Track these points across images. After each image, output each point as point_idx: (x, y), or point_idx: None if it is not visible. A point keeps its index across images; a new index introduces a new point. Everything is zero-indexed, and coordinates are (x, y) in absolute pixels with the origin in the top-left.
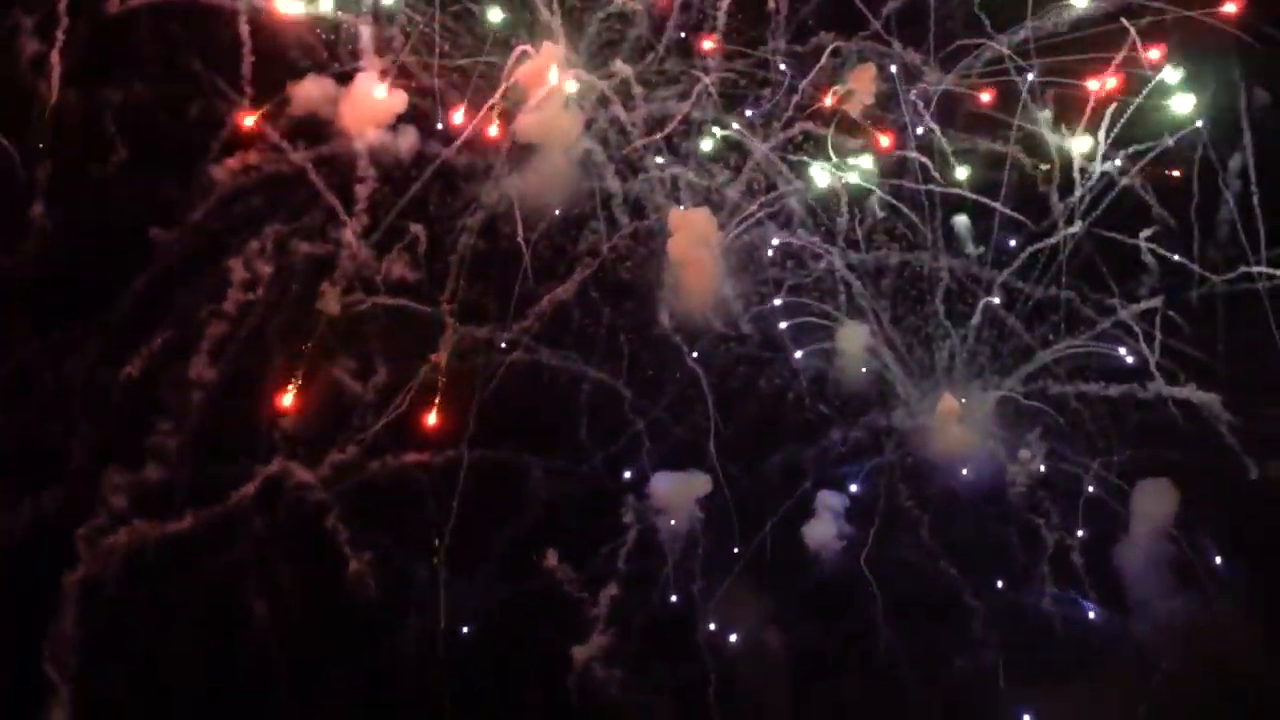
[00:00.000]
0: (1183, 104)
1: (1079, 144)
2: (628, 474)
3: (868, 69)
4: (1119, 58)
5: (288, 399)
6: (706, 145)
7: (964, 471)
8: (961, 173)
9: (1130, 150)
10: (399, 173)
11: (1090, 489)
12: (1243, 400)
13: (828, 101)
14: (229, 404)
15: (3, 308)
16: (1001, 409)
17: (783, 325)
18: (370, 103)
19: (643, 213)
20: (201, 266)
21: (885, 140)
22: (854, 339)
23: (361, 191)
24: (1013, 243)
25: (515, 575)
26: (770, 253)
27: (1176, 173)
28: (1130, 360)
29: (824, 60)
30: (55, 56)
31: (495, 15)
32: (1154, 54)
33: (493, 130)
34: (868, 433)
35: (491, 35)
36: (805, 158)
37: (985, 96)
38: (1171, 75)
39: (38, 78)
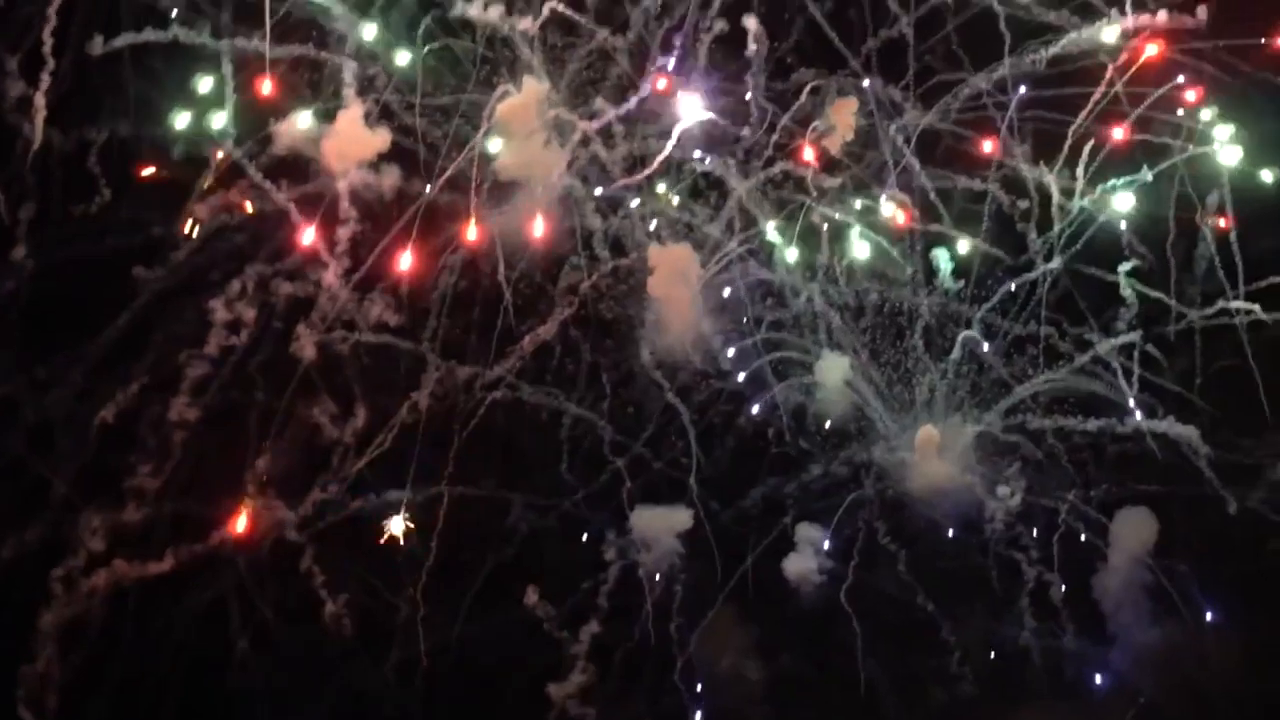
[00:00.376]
0: (1230, 155)
1: (1120, 200)
2: (609, 509)
3: (848, 103)
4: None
5: (241, 523)
6: (676, 191)
7: (943, 505)
8: (963, 246)
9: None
10: (381, 211)
11: (1069, 523)
12: (1221, 432)
13: (807, 155)
14: (211, 443)
15: None
16: (980, 443)
17: (762, 360)
18: (353, 141)
19: (623, 250)
20: (184, 306)
21: (901, 217)
22: (834, 370)
23: (343, 233)
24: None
25: (496, 611)
26: (749, 290)
27: (1223, 221)
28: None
29: (803, 98)
30: (39, 98)
31: (403, 59)
32: (1190, 95)
33: (471, 233)
34: (848, 466)
35: (475, 74)
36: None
37: (988, 145)
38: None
39: (21, 118)
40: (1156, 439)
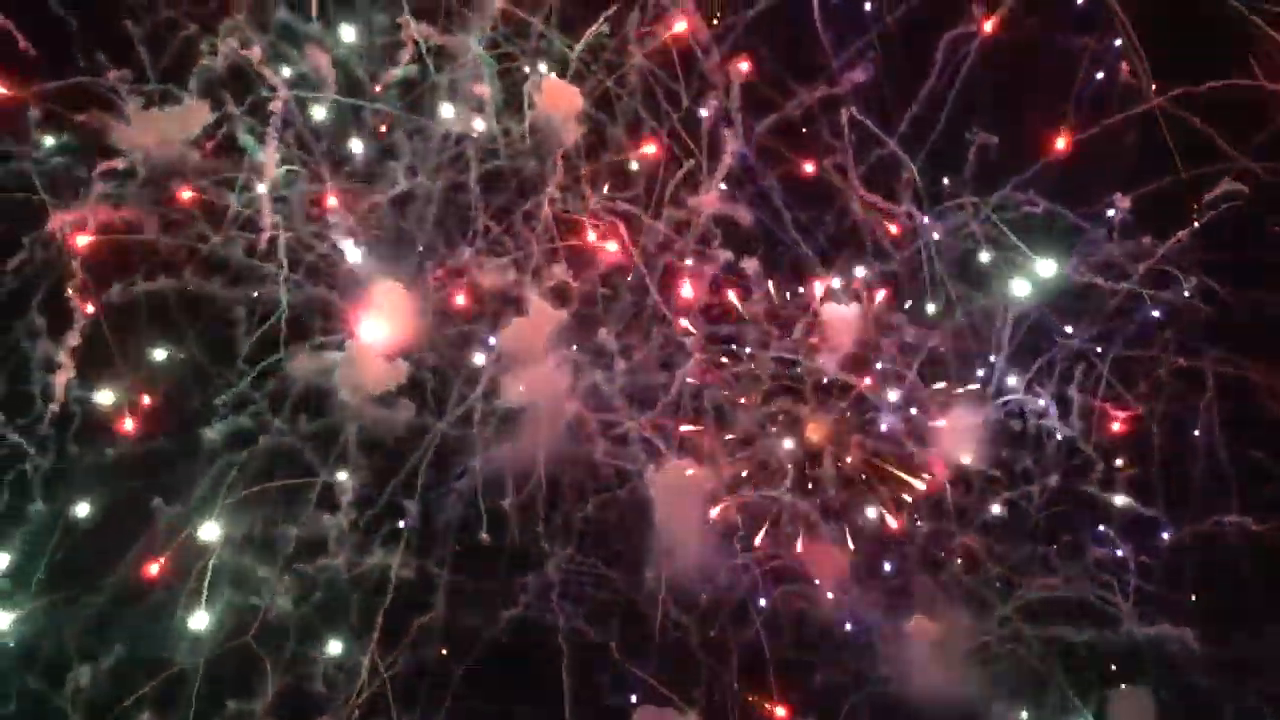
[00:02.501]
0: None
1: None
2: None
3: (850, 312)
4: None
5: None
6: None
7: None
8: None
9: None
10: (394, 446)
11: None
12: (1214, 630)
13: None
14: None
15: None
16: (977, 653)
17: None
18: (368, 373)
19: (625, 475)
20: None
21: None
22: (826, 564)
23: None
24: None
25: None
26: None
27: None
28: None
29: (798, 331)
30: (64, 356)
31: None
32: None
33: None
34: (846, 672)
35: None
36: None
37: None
38: None
39: (48, 374)
40: (1151, 642)
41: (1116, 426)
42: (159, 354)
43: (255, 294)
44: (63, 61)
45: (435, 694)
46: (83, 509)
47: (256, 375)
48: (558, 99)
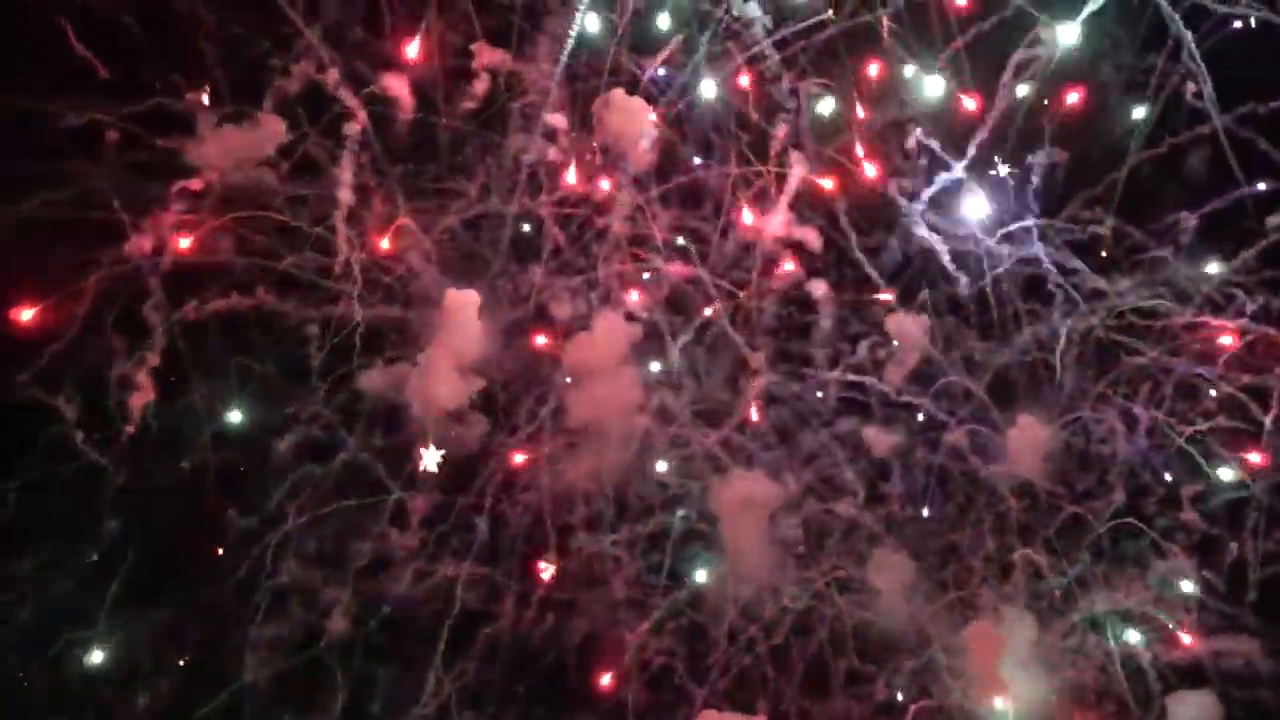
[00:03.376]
0: None
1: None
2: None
3: (920, 322)
4: None
5: None
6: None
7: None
8: None
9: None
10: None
11: None
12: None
13: None
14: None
15: None
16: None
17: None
18: (439, 388)
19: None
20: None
21: None
22: (890, 575)
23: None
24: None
25: None
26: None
27: None
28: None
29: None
30: (143, 376)
31: None
32: None
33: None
34: (912, 677)
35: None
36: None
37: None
38: None
39: (125, 393)
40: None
41: (1181, 444)
42: (235, 371)
43: (329, 321)
44: (139, 83)
45: (499, 707)
46: (157, 522)
47: (329, 390)
48: (628, 118)
